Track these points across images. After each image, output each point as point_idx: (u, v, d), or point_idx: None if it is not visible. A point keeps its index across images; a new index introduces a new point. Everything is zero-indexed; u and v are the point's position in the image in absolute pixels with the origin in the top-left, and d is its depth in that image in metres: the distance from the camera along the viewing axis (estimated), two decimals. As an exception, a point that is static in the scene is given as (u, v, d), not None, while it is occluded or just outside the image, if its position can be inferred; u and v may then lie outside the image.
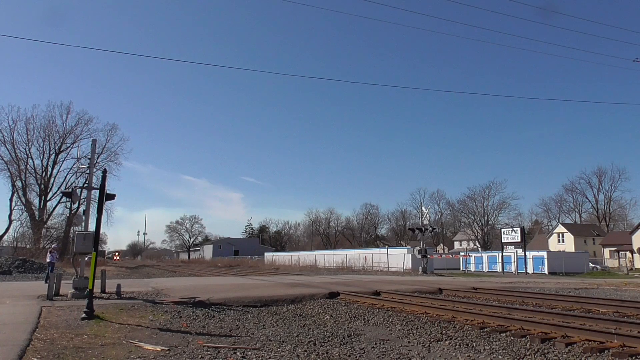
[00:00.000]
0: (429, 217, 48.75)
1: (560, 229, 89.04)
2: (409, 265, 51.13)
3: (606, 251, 76.76)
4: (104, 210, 13.54)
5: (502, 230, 55.78)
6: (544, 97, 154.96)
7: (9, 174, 59.49)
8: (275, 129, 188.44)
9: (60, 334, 8.98)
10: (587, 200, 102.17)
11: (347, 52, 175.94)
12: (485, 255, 57.93)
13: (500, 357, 7.80)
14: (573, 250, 73.26)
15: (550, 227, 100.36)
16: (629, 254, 66.89)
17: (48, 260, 23.92)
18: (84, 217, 16.84)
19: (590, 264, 59.06)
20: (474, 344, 8.76)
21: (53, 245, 29.39)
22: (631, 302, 15.92)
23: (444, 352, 8.10)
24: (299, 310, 14.07)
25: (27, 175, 61.08)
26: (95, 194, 16.20)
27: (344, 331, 10.20)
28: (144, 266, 65.15)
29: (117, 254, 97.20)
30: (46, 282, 19.02)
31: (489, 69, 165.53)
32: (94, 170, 17.93)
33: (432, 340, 9.16)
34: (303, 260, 69.93)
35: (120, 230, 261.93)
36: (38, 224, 58.80)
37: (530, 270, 49.18)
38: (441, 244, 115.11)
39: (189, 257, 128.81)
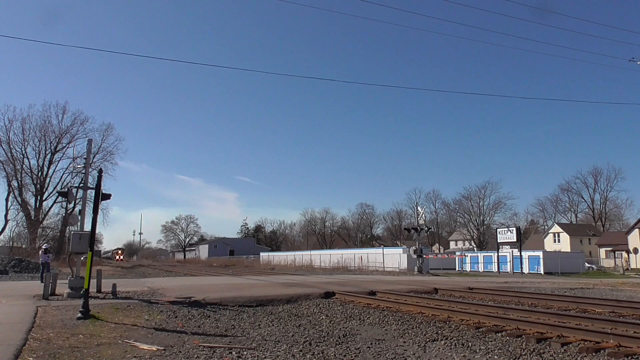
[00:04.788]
0: (425, 217, 48.76)
1: (556, 228, 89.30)
2: (404, 265, 51.14)
3: (602, 251, 76.97)
4: (99, 210, 13.52)
5: (498, 230, 55.94)
6: (539, 96, 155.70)
7: (4, 173, 59.32)
8: (270, 128, 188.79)
9: (56, 334, 8.96)
10: (583, 200, 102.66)
11: (343, 52, 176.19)
12: (481, 255, 57.99)
13: (496, 357, 7.81)
14: (569, 250, 73.41)
15: (546, 227, 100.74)
16: (624, 254, 67.08)
17: (42, 260, 23.80)
18: (79, 217, 16.78)
19: (586, 264, 59.18)
20: (470, 343, 8.78)
21: (45, 246, 29.23)
22: (627, 302, 15.99)
23: (439, 352, 8.11)
24: (294, 310, 14.07)
25: (23, 175, 60.96)
26: (91, 193, 16.14)
27: (339, 331, 10.20)
28: (140, 266, 64.98)
29: (119, 252, 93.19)
30: (42, 281, 18.94)
31: (485, 68, 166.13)
32: (90, 170, 17.92)
33: (427, 340, 9.17)
34: (299, 260, 69.90)
35: (116, 230, 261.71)
36: (34, 223, 58.58)
37: (526, 270, 49.27)
38: (437, 244, 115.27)
39: (184, 256, 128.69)
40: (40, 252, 25.09)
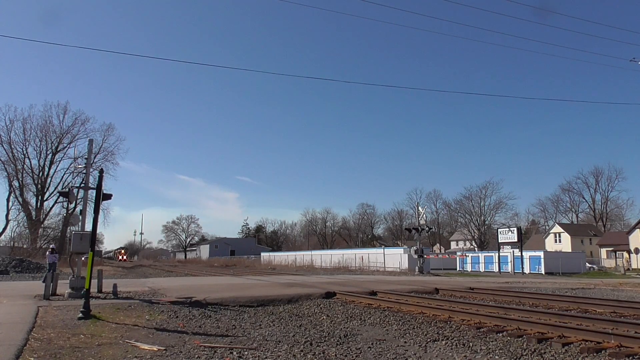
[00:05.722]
0: (426, 217, 48.81)
1: (557, 229, 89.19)
2: (405, 265, 51.17)
3: (603, 251, 76.89)
4: (100, 210, 13.52)
5: (499, 230, 55.93)
6: (540, 97, 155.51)
7: (6, 174, 59.39)
8: (271, 128, 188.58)
9: (57, 334, 8.97)
10: (584, 200, 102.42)
11: (343, 51, 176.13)
12: (481, 255, 58.01)
13: (497, 357, 7.81)
14: (570, 251, 73.37)
15: (547, 227, 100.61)
16: (625, 254, 66.98)
17: (49, 261, 23.77)
18: (80, 217, 16.80)
19: (587, 264, 59.15)
20: (471, 344, 8.77)
21: (52, 246, 29.25)
22: (628, 302, 15.97)
23: (440, 352, 8.10)
24: (295, 310, 14.07)
25: (24, 175, 61.03)
26: (92, 193, 16.17)
27: (340, 331, 10.20)
28: (141, 266, 65.06)
29: (122, 252, 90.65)
30: (44, 282, 18.96)
31: (486, 69, 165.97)
32: (91, 170, 17.94)
33: (428, 340, 9.17)
34: (299, 260, 69.91)
35: (117, 230, 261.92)
36: (35, 223, 58.64)
37: (527, 270, 49.28)
38: (438, 244, 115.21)
39: (185, 257, 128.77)
40: (47, 252, 25.09)
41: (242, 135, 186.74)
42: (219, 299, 15.30)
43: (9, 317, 10.93)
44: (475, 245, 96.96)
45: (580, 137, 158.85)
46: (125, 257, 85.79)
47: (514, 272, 48.42)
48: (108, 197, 14.89)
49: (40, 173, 61.76)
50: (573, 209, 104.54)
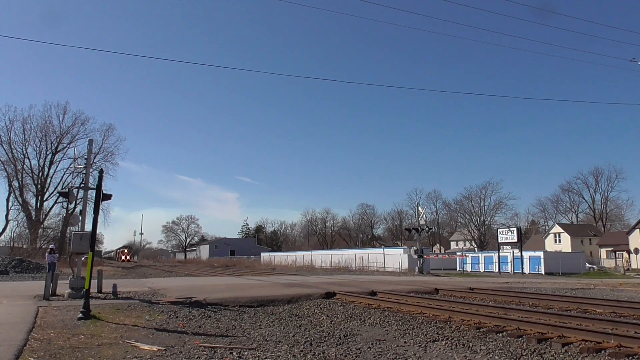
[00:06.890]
0: (426, 217, 48.75)
1: (557, 229, 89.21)
2: (405, 265, 51.16)
3: (603, 251, 76.93)
4: (100, 211, 13.53)
5: (499, 230, 55.95)
6: (540, 97, 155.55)
7: (5, 174, 59.30)
8: (271, 128, 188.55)
9: (57, 334, 8.97)
10: (584, 201, 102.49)
11: (343, 52, 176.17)
12: (481, 256, 57.99)
13: (497, 357, 7.81)
14: (570, 251, 73.37)
15: (547, 227, 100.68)
16: (625, 254, 67.01)
17: (48, 261, 23.75)
18: (80, 217, 16.80)
19: (587, 264, 59.14)
20: (471, 344, 8.78)
21: (51, 246, 29.23)
22: (628, 303, 15.98)
23: (440, 352, 8.10)
24: (295, 311, 14.07)
25: (23, 176, 60.94)
26: (92, 194, 16.17)
27: (340, 331, 10.20)
28: (141, 266, 65.03)
29: (125, 251, 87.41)
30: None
31: (485, 69, 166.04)
32: (91, 170, 17.94)
33: (428, 340, 9.17)
34: (299, 261, 69.87)
35: (117, 231, 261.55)
36: (35, 224, 58.56)
37: (526, 270, 49.29)
38: (438, 244, 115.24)
39: (185, 257, 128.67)
40: (47, 252, 25.10)
41: (242, 135, 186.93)
42: (218, 299, 15.30)
43: (9, 317, 10.93)
44: (475, 246, 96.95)
45: (580, 137, 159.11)
46: (128, 257, 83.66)
47: (514, 273, 48.42)
48: (108, 197, 14.89)
49: (40, 173, 61.78)
50: (573, 209, 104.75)
